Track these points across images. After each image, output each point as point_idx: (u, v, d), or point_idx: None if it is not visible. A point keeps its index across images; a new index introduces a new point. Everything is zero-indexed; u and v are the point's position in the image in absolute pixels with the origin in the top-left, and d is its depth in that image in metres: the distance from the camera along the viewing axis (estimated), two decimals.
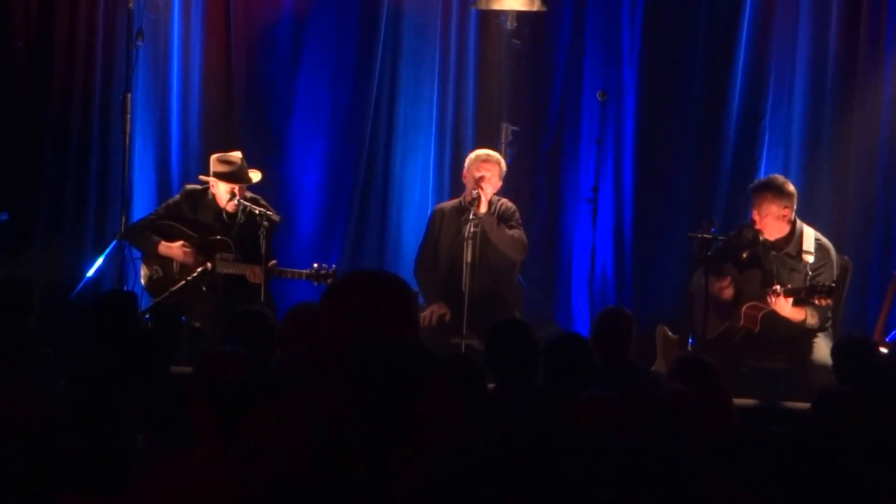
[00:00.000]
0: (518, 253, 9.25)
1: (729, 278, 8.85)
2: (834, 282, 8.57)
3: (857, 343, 7.42)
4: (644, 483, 1.80)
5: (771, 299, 8.55)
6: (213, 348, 6.51)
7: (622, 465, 1.85)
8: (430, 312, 8.97)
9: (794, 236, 8.80)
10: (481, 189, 9.01)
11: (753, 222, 8.77)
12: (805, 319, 8.61)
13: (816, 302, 8.51)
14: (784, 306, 8.53)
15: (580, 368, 6.26)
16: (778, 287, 8.56)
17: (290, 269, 9.02)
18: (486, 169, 9.10)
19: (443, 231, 9.31)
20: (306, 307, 6.20)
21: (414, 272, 9.37)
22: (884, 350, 8.37)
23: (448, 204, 9.51)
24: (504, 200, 9.26)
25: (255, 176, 9.24)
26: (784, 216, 8.76)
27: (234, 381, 4.42)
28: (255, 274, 8.83)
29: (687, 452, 4.43)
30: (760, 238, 8.78)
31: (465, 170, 9.26)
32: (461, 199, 9.34)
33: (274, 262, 8.99)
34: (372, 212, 10.65)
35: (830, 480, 3.20)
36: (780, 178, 8.97)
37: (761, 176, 9.69)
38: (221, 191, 9.09)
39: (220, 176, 9.09)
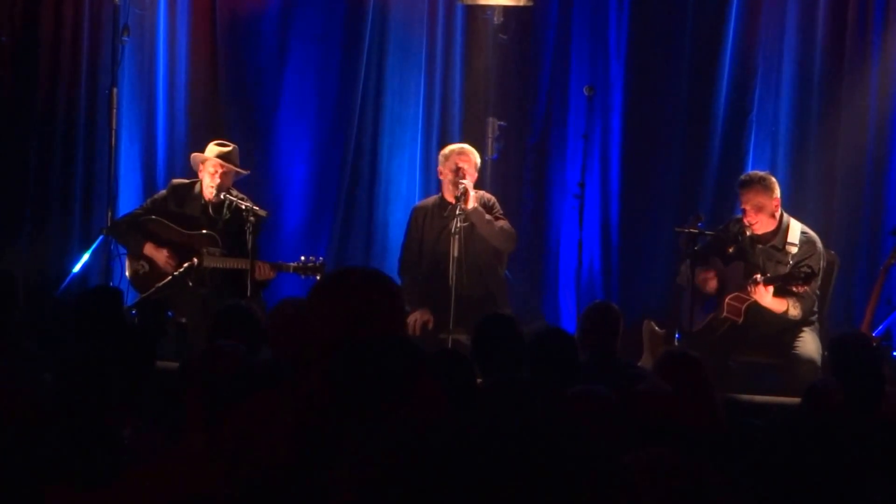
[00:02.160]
0: (508, 243, 9.27)
1: (713, 270, 8.87)
2: (810, 266, 8.55)
3: (854, 338, 7.42)
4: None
5: (750, 289, 8.57)
6: (203, 342, 6.50)
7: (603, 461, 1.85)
8: (414, 321, 8.95)
9: (780, 229, 8.82)
10: (468, 184, 9.01)
11: (744, 213, 8.77)
12: (787, 311, 8.61)
13: (795, 289, 8.52)
14: (764, 295, 8.55)
15: (564, 363, 6.26)
16: (758, 276, 8.57)
17: (277, 263, 9.00)
18: (465, 161, 9.11)
19: (426, 229, 9.29)
20: (293, 302, 6.17)
21: (398, 273, 9.35)
22: (872, 344, 8.37)
23: (428, 202, 9.50)
24: (483, 192, 9.27)
25: (243, 172, 9.25)
26: (771, 210, 8.77)
27: (229, 374, 4.42)
28: (262, 271, 8.82)
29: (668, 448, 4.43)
30: (747, 232, 8.80)
31: (439, 165, 9.25)
32: (439, 196, 9.33)
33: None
34: (358, 206, 10.64)
35: (819, 475, 3.19)
36: (762, 172, 9.00)
37: (748, 170, 9.71)
38: (208, 166, 9.08)
39: (212, 150, 9.11)
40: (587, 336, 7.02)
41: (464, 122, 10.59)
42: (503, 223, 9.19)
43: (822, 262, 8.81)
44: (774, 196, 8.78)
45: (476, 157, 9.23)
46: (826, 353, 8.16)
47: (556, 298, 10.54)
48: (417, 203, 9.70)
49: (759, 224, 8.78)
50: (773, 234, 8.83)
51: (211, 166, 9.09)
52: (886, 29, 10.06)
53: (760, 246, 8.83)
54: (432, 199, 9.49)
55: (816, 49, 10.18)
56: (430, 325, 8.99)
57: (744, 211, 8.80)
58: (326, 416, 3.19)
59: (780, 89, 10.25)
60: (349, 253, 10.54)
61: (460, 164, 9.09)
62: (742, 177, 9.08)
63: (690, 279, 8.74)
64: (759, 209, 8.74)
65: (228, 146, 9.21)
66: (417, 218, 9.39)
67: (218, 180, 9.05)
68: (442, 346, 8.49)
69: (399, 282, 9.17)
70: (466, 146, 9.36)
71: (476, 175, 9.21)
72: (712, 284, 8.86)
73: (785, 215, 8.87)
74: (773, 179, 8.85)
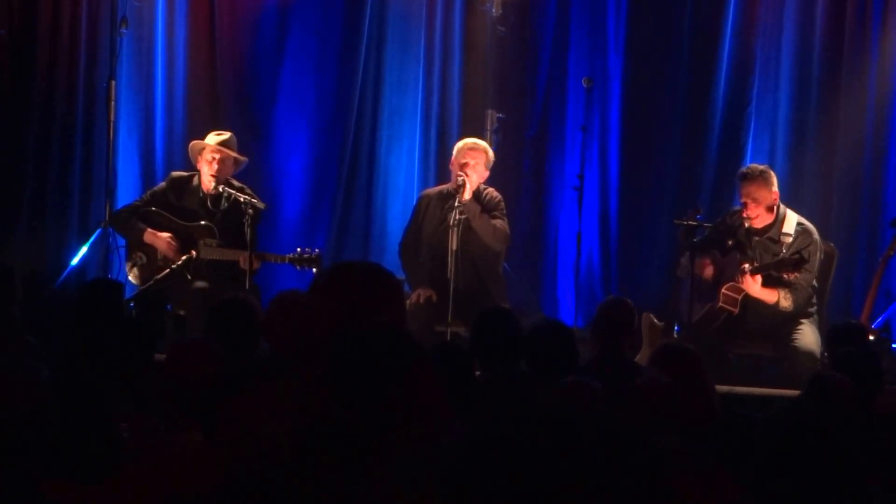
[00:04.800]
0: (499, 243, 9.23)
1: (710, 258, 8.86)
2: (798, 252, 8.54)
3: (851, 329, 7.41)
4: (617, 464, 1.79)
5: (737, 279, 8.56)
6: (185, 337, 6.50)
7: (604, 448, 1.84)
8: (417, 295, 8.97)
9: (776, 221, 8.82)
10: (466, 176, 9.00)
11: (744, 205, 8.76)
12: (777, 302, 8.59)
13: (786, 276, 8.50)
14: (752, 285, 8.54)
15: (562, 356, 6.25)
16: (746, 266, 8.56)
17: (272, 254, 8.99)
18: (472, 157, 9.09)
19: (427, 217, 9.29)
20: (290, 295, 6.17)
21: (399, 255, 9.38)
22: (871, 336, 8.37)
23: (434, 190, 9.50)
24: (490, 190, 9.24)
25: (242, 158, 9.24)
26: (770, 204, 8.77)
27: (203, 371, 4.42)
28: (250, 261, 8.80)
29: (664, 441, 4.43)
30: (746, 224, 8.80)
31: (452, 157, 9.26)
32: (447, 186, 9.34)
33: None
34: (357, 198, 10.64)
35: (822, 467, 3.19)
36: (763, 166, 8.99)
37: (747, 163, 9.71)
38: (206, 154, 9.06)
39: (210, 139, 9.11)
40: (599, 332, 6.93)
41: (462, 114, 10.59)
42: (498, 222, 9.14)
43: (819, 254, 8.79)
44: (773, 190, 8.77)
45: (488, 155, 9.19)
46: (824, 350, 8.15)
47: (555, 291, 10.54)
48: (425, 190, 9.72)
49: (758, 218, 8.78)
50: (769, 227, 8.83)
51: (209, 153, 9.08)
52: (885, 21, 10.06)
53: (757, 238, 8.83)
54: (439, 188, 9.48)
55: (815, 41, 10.17)
56: (434, 299, 8.98)
57: (743, 204, 8.79)
58: (327, 409, 3.19)
59: (779, 81, 10.25)
60: (347, 244, 10.54)
61: (466, 160, 9.08)
62: (742, 170, 9.07)
63: (690, 271, 8.73)
64: (758, 202, 8.73)
65: (225, 134, 9.21)
66: (421, 205, 9.40)
67: (216, 167, 9.04)
68: (440, 338, 8.49)
69: (399, 265, 9.21)
70: (480, 142, 9.33)
71: (486, 172, 9.17)
72: (708, 271, 8.87)
73: (782, 207, 8.86)
74: (773, 173, 8.84)
